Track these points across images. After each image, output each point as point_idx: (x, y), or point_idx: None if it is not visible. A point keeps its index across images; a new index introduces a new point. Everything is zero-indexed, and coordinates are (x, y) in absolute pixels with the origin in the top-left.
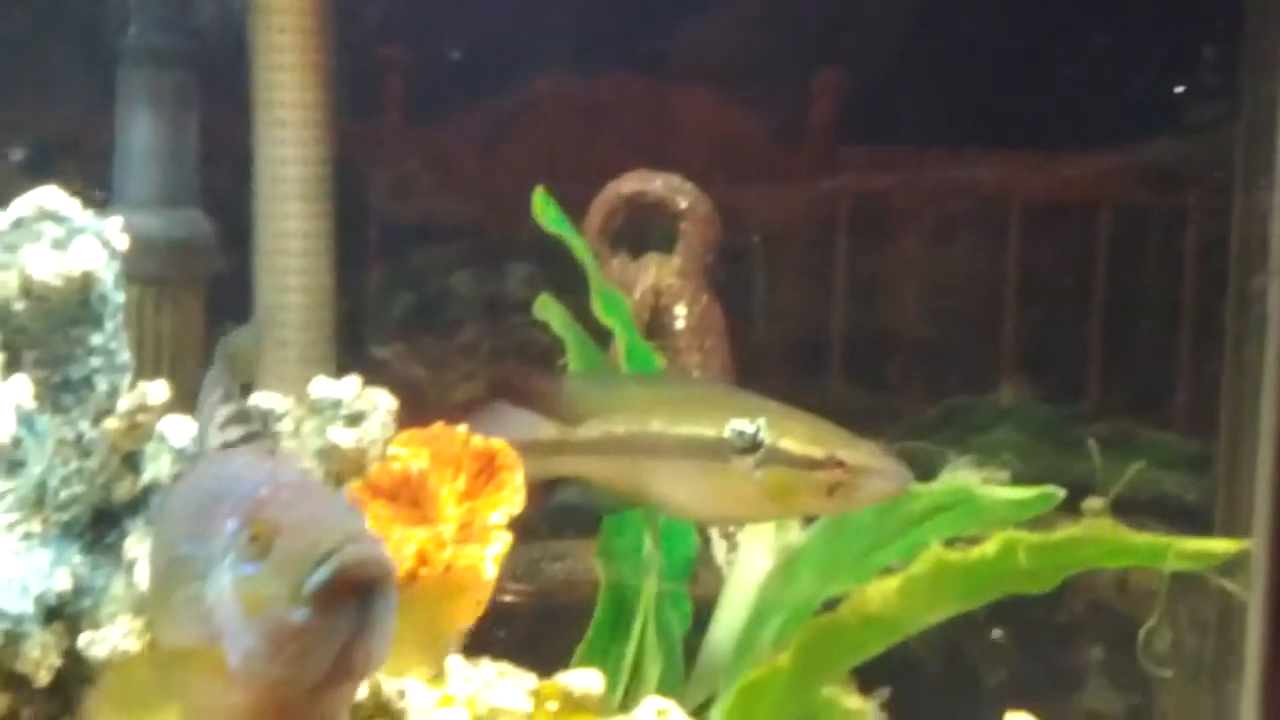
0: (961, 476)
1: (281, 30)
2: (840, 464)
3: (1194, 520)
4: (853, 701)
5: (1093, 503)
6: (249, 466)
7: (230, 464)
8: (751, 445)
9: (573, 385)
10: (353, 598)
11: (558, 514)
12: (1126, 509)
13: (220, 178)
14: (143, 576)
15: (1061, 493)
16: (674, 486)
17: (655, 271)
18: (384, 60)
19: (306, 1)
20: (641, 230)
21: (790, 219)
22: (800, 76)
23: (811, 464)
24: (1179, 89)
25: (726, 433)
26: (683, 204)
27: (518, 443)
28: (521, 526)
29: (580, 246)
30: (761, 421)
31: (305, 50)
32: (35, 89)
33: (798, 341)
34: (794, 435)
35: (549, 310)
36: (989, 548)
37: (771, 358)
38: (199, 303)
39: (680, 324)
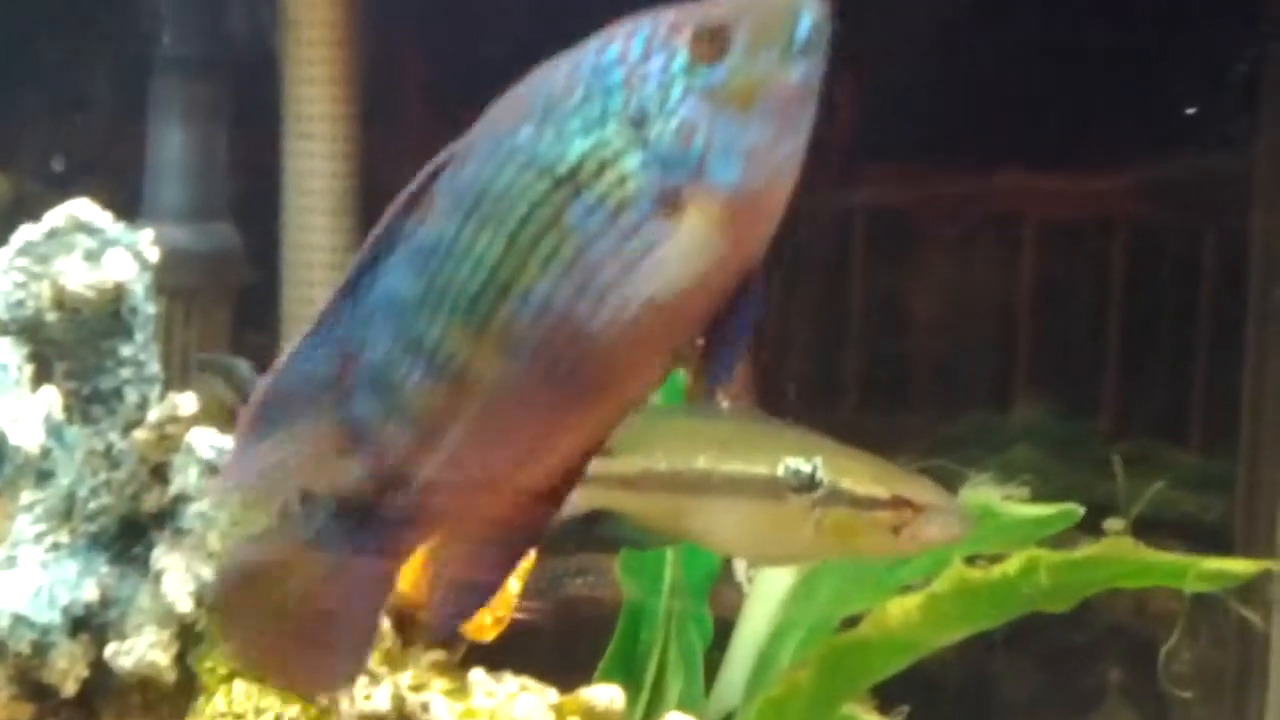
0: (982, 494)
1: (310, 43)
2: (906, 503)
3: (1214, 540)
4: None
5: (1114, 523)
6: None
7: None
8: (809, 484)
9: None
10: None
11: (580, 530)
12: (1146, 529)
13: (249, 189)
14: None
15: (1082, 510)
16: (722, 526)
17: None
18: (407, 69)
19: (334, 15)
20: None
21: (806, 234)
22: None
23: (875, 504)
24: (1198, 106)
25: (781, 471)
26: None
27: None
28: (544, 542)
29: None
30: (818, 460)
31: (333, 63)
32: (66, 100)
33: (812, 358)
34: (854, 474)
35: None
36: (1010, 566)
37: (787, 375)
38: (228, 314)
39: (700, 339)
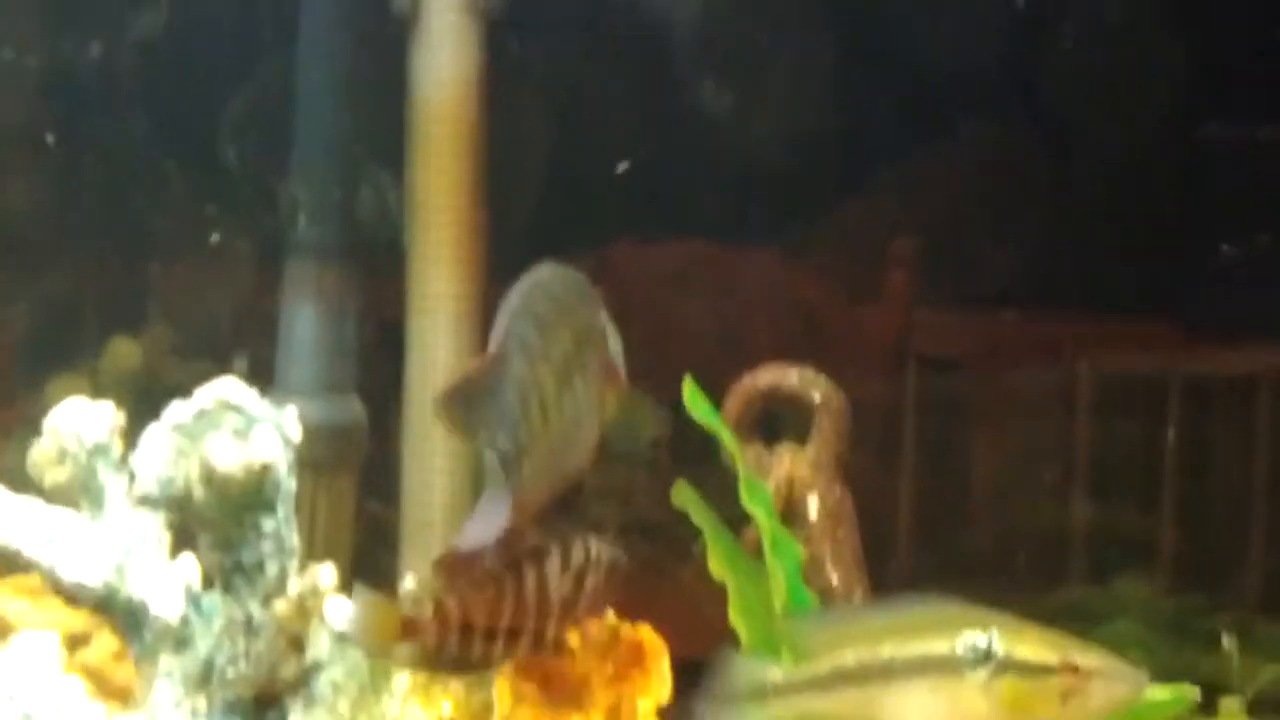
0: None
1: (438, 226)
2: (1074, 669)
3: None
4: None
5: (1230, 703)
6: None
7: None
8: (985, 657)
9: (796, 626)
10: None
11: None
12: (1263, 708)
13: (375, 364)
14: None
15: (1197, 692)
16: (904, 710)
17: (789, 462)
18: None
19: (462, 199)
20: (771, 418)
21: (881, 392)
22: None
23: (1046, 670)
24: None
25: (959, 647)
26: (817, 398)
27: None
28: None
29: (729, 438)
30: (994, 631)
31: (459, 244)
32: (210, 274)
33: (897, 528)
34: (1025, 642)
35: (686, 497)
36: None
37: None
38: (352, 486)
39: (813, 514)
